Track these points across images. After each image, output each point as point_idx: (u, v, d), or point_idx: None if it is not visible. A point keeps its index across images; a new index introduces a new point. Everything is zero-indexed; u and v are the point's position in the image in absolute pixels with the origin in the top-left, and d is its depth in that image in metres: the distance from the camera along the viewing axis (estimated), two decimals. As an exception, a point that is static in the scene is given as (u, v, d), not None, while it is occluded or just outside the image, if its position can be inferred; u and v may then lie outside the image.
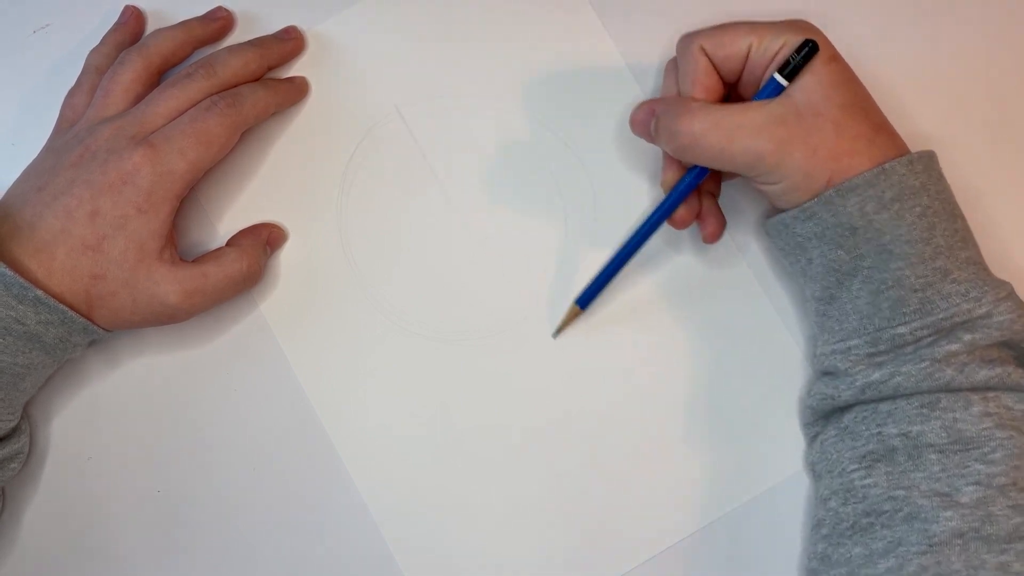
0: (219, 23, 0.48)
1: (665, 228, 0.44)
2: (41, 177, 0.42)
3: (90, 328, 0.42)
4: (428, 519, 0.46)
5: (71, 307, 0.41)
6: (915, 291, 0.39)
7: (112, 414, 0.47)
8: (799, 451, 0.46)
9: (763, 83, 0.40)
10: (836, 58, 0.40)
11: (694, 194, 0.44)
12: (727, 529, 0.46)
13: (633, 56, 0.49)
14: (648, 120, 0.43)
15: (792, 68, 0.39)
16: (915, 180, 0.39)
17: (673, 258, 0.48)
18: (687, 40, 0.42)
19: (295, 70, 0.49)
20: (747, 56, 0.41)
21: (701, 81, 0.41)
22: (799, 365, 0.47)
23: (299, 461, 0.47)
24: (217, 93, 0.44)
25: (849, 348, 0.41)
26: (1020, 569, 0.36)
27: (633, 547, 0.46)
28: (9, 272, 0.39)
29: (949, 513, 0.37)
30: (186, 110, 0.43)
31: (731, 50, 0.41)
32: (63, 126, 0.45)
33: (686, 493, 0.46)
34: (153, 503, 0.47)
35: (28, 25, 0.50)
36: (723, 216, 0.45)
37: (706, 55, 0.41)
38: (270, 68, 0.48)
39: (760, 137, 0.39)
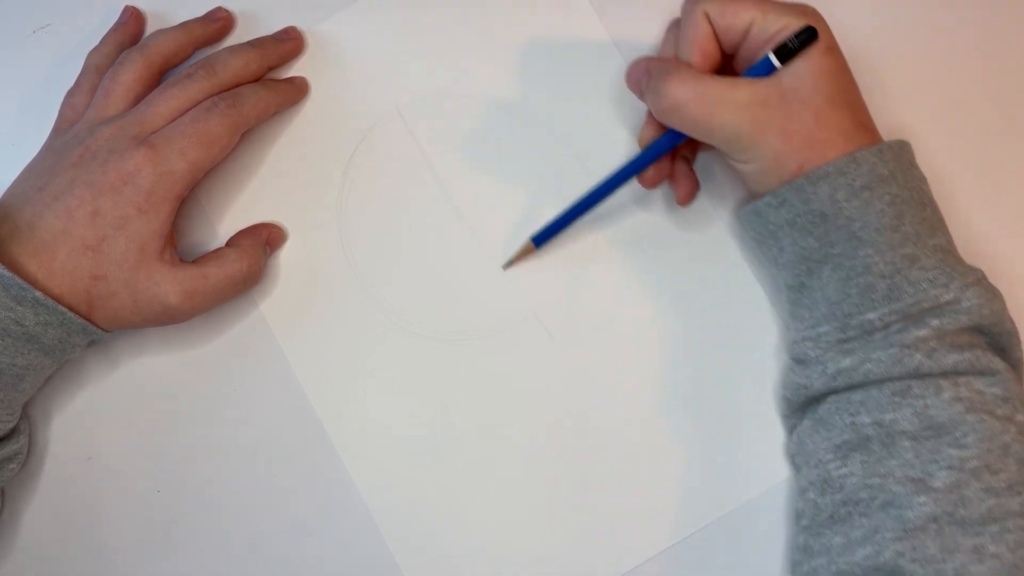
0: (219, 24, 0.48)
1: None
2: (41, 177, 0.42)
3: (89, 329, 0.42)
4: (428, 519, 0.46)
5: (71, 308, 0.41)
6: (883, 277, 0.39)
7: (112, 414, 0.47)
8: (798, 452, 0.46)
9: (756, 60, 0.41)
10: (833, 49, 0.40)
11: (667, 157, 0.44)
12: (726, 531, 0.46)
13: (632, 55, 0.48)
14: (642, 77, 0.43)
15: (787, 51, 0.39)
16: (885, 168, 0.39)
17: (673, 259, 0.48)
18: (693, 3, 0.42)
19: (295, 70, 0.49)
20: (748, 30, 0.41)
21: (699, 46, 0.42)
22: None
23: (299, 461, 0.47)
24: (218, 94, 0.44)
25: (819, 335, 0.41)
26: (995, 551, 0.36)
27: (632, 548, 0.46)
28: (8, 273, 0.39)
29: (923, 498, 0.37)
30: (186, 109, 0.43)
31: (733, 21, 0.41)
32: (63, 126, 0.45)
33: (686, 494, 0.46)
34: (153, 503, 0.47)
35: (28, 25, 0.50)
36: (696, 180, 0.46)
37: (709, 21, 0.41)
38: (270, 68, 0.48)
39: (740, 115, 0.40)
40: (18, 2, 0.50)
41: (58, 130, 0.45)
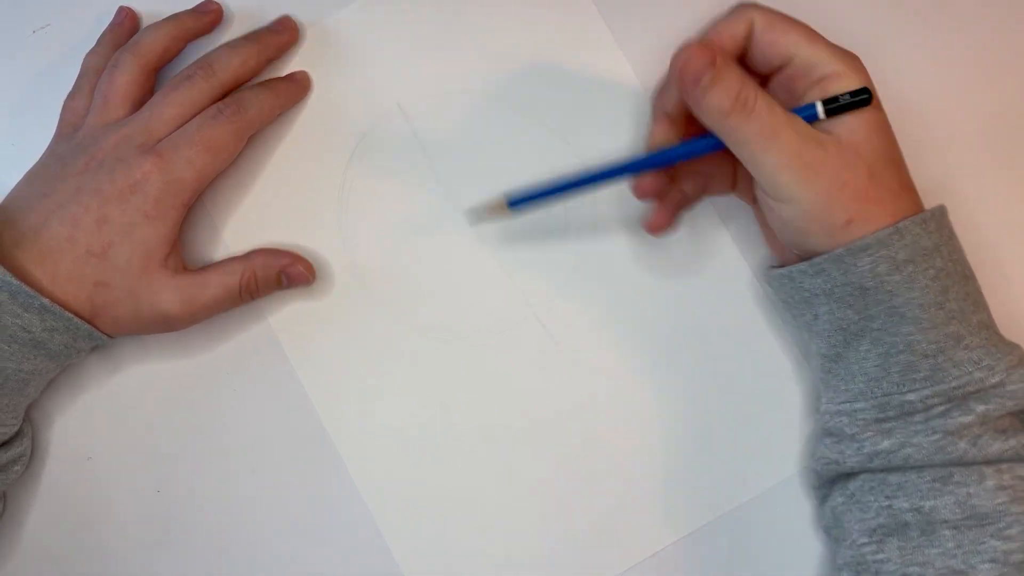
0: (210, 16, 0.48)
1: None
2: (46, 184, 0.42)
3: (95, 335, 0.42)
4: (428, 518, 0.47)
5: (75, 314, 0.41)
6: (926, 357, 0.38)
7: (112, 414, 0.47)
8: (795, 453, 0.47)
9: (801, 100, 0.38)
10: (880, 107, 0.39)
11: (667, 174, 0.42)
12: (726, 529, 0.46)
13: (636, 54, 0.49)
14: (705, 71, 0.37)
15: (838, 107, 0.38)
16: (928, 241, 0.38)
17: (674, 259, 0.48)
18: (743, 7, 0.40)
19: (296, 67, 0.49)
20: (791, 60, 0.39)
21: (724, 43, 0.39)
22: (797, 367, 0.47)
23: (299, 461, 0.47)
24: (221, 98, 0.44)
25: (855, 411, 0.40)
26: None
27: (632, 545, 0.46)
28: (15, 281, 0.39)
29: None
30: (190, 114, 0.43)
31: (778, 41, 0.38)
32: (65, 131, 0.45)
33: (685, 492, 0.47)
34: (153, 503, 0.47)
35: (28, 25, 0.49)
36: (675, 217, 0.44)
37: (751, 29, 0.39)
38: (268, 62, 0.47)
39: (800, 147, 0.37)
40: (18, 2, 0.49)
41: (61, 135, 0.45)
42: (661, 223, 0.44)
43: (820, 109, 0.38)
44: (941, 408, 0.38)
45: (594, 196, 0.47)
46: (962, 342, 0.38)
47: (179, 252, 0.44)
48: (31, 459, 0.46)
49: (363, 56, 0.49)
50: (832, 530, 0.43)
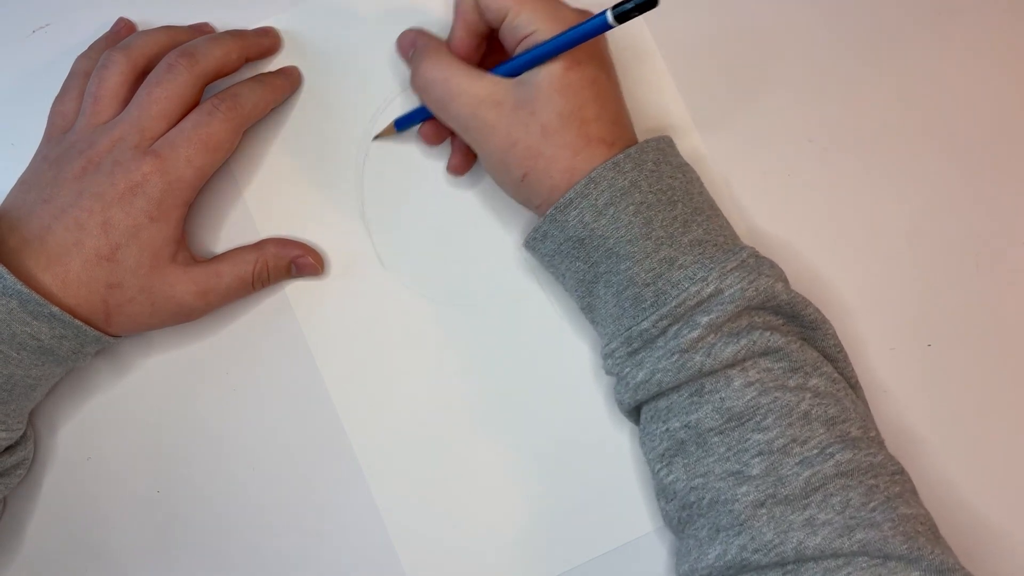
0: (204, 33, 0.48)
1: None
2: (44, 189, 0.42)
3: (103, 339, 0.42)
4: (433, 514, 0.47)
5: (87, 317, 0.41)
6: (647, 285, 0.40)
7: (112, 414, 0.47)
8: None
9: (513, 54, 0.42)
10: (579, 64, 0.40)
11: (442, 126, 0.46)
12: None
13: (661, 31, 0.49)
14: (409, 49, 0.46)
15: (521, 63, 0.41)
16: (624, 180, 0.40)
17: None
18: None
19: (321, 38, 0.49)
20: (502, 22, 0.41)
21: (463, 22, 0.43)
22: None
23: (299, 461, 0.47)
24: (203, 88, 0.44)
25: (613, 351, 0.42)
26: (824, 518, 0.37)
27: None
28: (25, 289, 0.39)
29: (744, 488, 0.38)
30: (177, 108, 0.43)
31: (491, 6, 0.41)
32: (54, 133, 0.44)
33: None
34: (153, 503, 0.47)
35: (28, 25, 0.49)
36: (471, 161, 0.47)
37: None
38: (248, 60, 0.47)
39: (471, 110, 0.41)
40: (18, 2, 0.49)
41: (50, 138, 0.45)
42: (457, 165, 0.48)
43: (504, 68, 0.42)
44: (673, 329, 0.40)
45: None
46: (675, 263, 0.40)
47: (186, 245, 0.44)
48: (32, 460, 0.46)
49: (387, 26, 0.49)
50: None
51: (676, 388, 0.40)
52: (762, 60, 0.49)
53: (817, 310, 0.41)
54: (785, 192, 0.46)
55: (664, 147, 0.42)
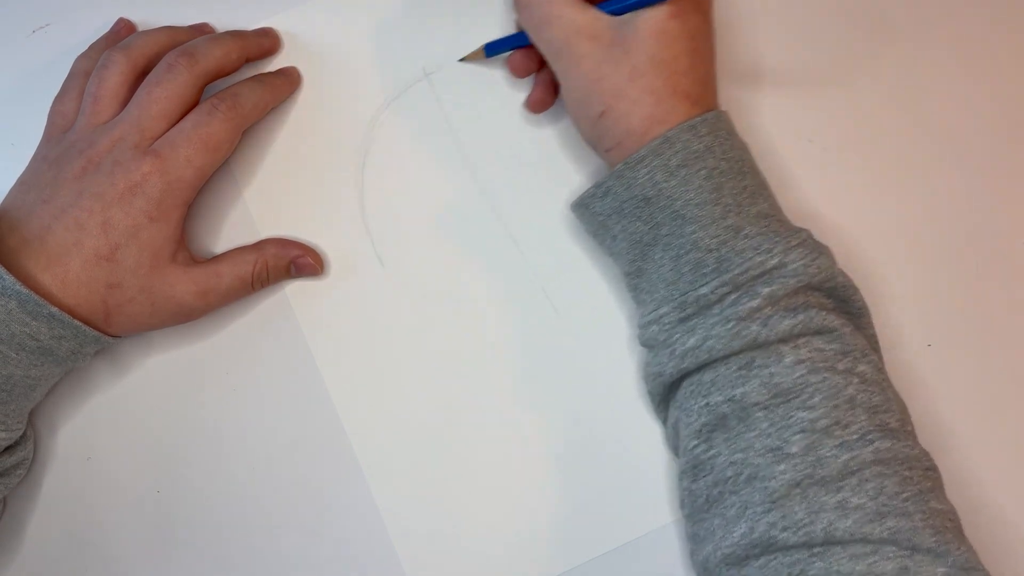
0: (204, 32, 0.48)
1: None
2: (43, 190, 0.42)
3: (102, 339, 0.42)
4: (433, 514, 0.47)
5: (86, 317, 0.41)
6: (710, 251, 0.40)
7: (111, 414, 0.47)
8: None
9: None
10: (683, 13, 0.41)
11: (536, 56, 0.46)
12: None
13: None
14: None
15: (628, 3, 0.41)
16: (699, 144, 0.40)
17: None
18: None
19: (326, 31, 0.49)
20: None
21: None
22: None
23: (299, 460, 0.47)
24: (203, 88, 0.44)
25: (661, 316, 0.41)
26: (857, 502, 0.37)
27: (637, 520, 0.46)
28: (24, 290, 0.39)
29: (783, 466, 0.38)
30: (177, 108, 0.43)
31: None
32: (53, 133, 0.45)
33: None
34: (153, 503, 0.47)
35: (28, 25, 0.49)
36: (553, 95, 0.47)
37: None
38: (248, 60, 0.47)
39: (567, 37, 0.42)
40: (18, 2, 0.49)
41: (49, 138, 0.45)
42: (537, 101, 0.48)
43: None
44: (732, 297, 0.40)
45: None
46: (741, 232, 0.40)
47: (186, 245, 0.44)
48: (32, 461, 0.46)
49: (392, 22, 0.49)
50: (676, 446, 0.44)
51: (724, 359, 0.40)
52: (762, 60, 0.49)
53: (863, 299, 0.41)
54: (785, 192, 0.46)
55: (728, 121, 0.42)
